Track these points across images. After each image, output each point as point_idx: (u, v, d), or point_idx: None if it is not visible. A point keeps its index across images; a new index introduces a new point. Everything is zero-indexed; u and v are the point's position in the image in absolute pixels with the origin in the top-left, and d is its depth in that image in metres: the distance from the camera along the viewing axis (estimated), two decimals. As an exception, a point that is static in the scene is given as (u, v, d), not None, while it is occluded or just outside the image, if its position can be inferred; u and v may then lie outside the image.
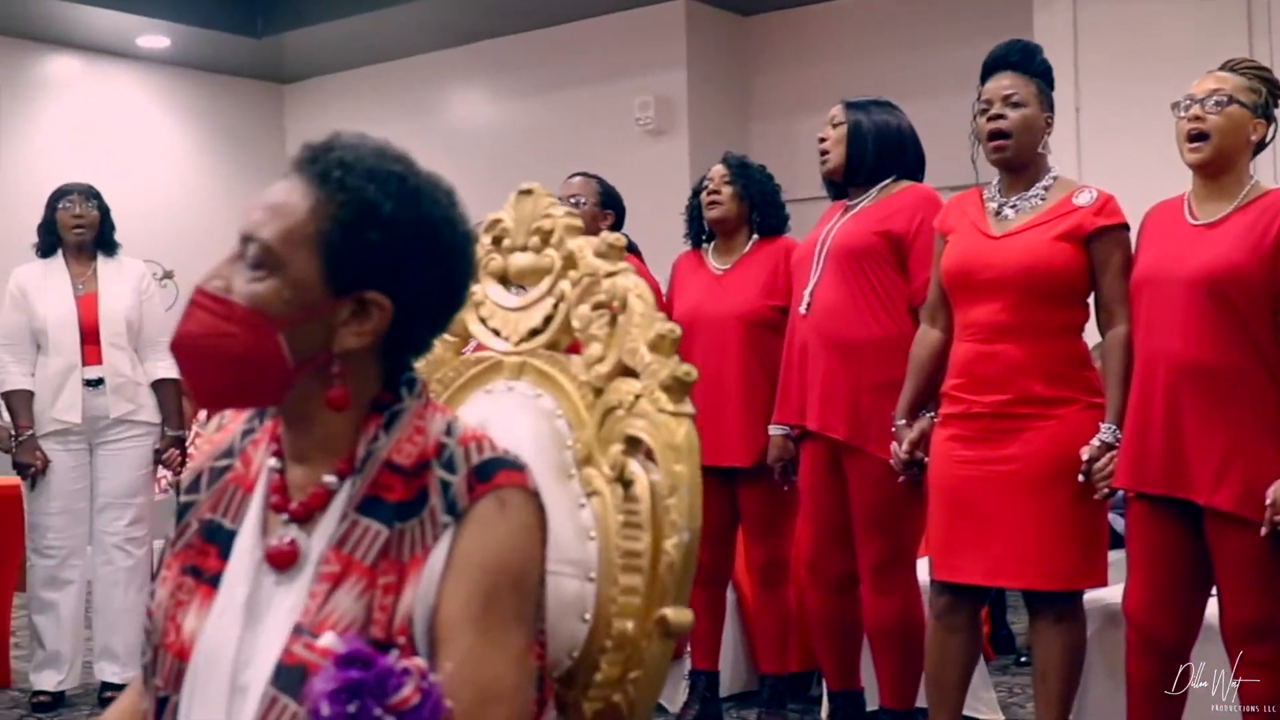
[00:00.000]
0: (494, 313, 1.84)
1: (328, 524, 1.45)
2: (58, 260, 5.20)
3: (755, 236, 4.60)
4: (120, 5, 7.95)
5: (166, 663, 1.48)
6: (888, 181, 4.01)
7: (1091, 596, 3.53)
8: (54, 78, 8.57)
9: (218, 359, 1.44)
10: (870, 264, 3.91)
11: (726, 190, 4.54)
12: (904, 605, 3.89)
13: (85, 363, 5.06)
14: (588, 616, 1.63)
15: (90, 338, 5.07)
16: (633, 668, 1.60)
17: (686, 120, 7.78)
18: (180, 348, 1.46)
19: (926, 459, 3.61)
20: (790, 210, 4.68)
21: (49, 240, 5.21)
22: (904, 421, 3.70)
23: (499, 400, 1.78)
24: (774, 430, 4.19)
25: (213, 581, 1.49)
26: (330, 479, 1.47)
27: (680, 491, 1.57)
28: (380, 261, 1.43)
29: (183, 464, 5.24)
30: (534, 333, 1.79)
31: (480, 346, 1.85)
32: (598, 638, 1.62)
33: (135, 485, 5.17)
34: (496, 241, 1.85)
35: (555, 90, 8.27)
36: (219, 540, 1.51)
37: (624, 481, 1.64)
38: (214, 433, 1.64)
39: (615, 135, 7.83)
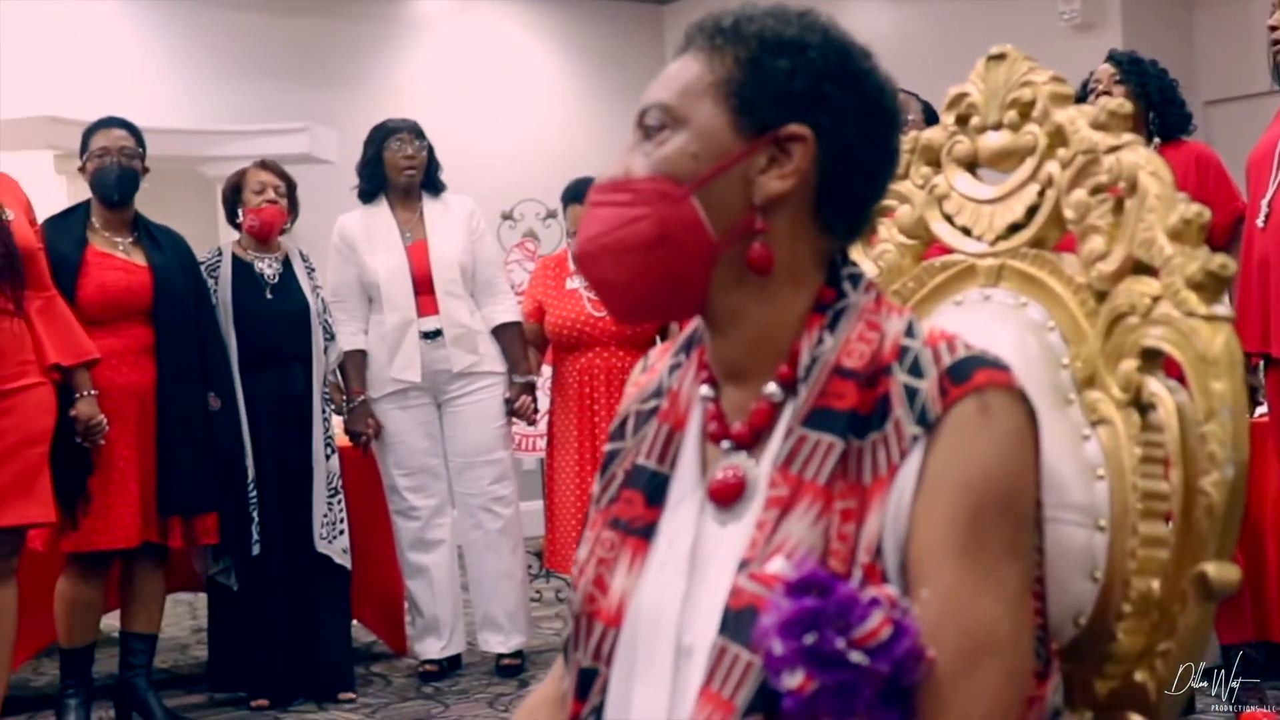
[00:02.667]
0: (962, 207, 1.65)
1: (774, 443, 1.33)
2: (381, 206, 5.19)
3: (1156, 141, 4.37)
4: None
5: (594, 632, 1.39)
6: (1356, 68, 3.69)
7: None
8: (422, 16, 8.84)
9: (629, 252, 1.34)
10: None
11: (1118, 91, 4.36)
12: None
13: (420, 314, 5.07)
14: (1098, 574, 1.44)
15: (424, 288, 5.08)
16: (1161, 638, 1.40)
17: (1119, 12, 7.31)
18: (585, 256, 1.38)
19: None
20: (1244, 109, 4.38)
21: (373, 184, 5.21)
22: None
23: (973, 312, 1.60)
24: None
25: (643, 533, 1.39)
26: (772, 389, 1.35)
27: (1221, 416, 1.34)
28: (792, 89, 1.33)
29: (536, 412, 5.27)
30: (1014, 228, 1.60)
31: (946, 249, 1.66)
32: (1112, 600, 1.43)
33: (491, 441, 5.20)
34: (962, 121, 1.66)
35: (965, -12, 7.94)
36: (647, 487, 1.41)
37: (1141, 406, 1.44)
38: (640, 375, 1.54)
39: (1035, 33, 7.42)
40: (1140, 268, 1.45)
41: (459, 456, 5.19)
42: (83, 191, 7.63)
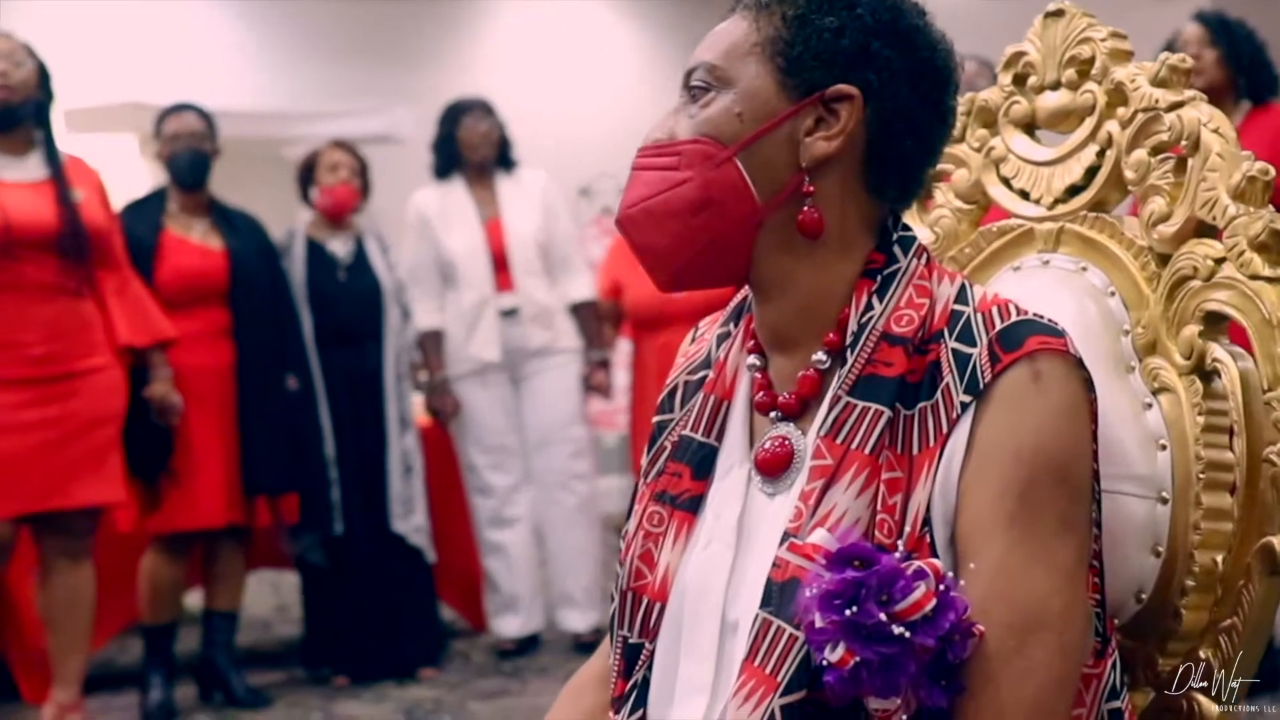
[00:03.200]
0: (1020, 169, 1.59)
1: (821, 412, 1.29)
2: (456, 183, 5.18)
3: (1245, 105, 4.19)
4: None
5: (640, 608, 1.36)
6: None
7: None
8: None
9: (673, 217, 1.31)
10: None
11: (1208, 55, 4.15)
12: None
13: (497, 292, 5.06)
14: (1161, 548, 1.39)
15: (501, 265, 5.06)
16: (1225, 614, 1.36)
17: (1206, -26, 7.14)
18: (627, 220, 1.34)
19: None
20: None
21: (447, 160, 5.19)
22: None
23: (1032, 278, 1.55)
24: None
25: (689, 507, 1.36)
26: (820, 356, 1.31)
27: (1287, 382, 1.29)
28: (840, 47, 1.29)
29: (610, 388, 5.26)
30: (1074, 191, 1.54)
31: (1004, 214, 1.61)
32: (1175, 575, 1.39)
33: (568, 417, 5.19)
34: (1019, 81, 1.60)
35: (1046, -46, 7.80)
36: (693, 459, 1.38)
37: (1203, 373, 1.39)
38: (689, 345, 1.50)
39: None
40: (1204, 229, 1.40)
41: (536, 433, 5.18)
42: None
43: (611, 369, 5.37)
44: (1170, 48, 4.21)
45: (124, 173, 7.02)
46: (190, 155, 4.59)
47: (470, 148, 5.15)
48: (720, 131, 1.30)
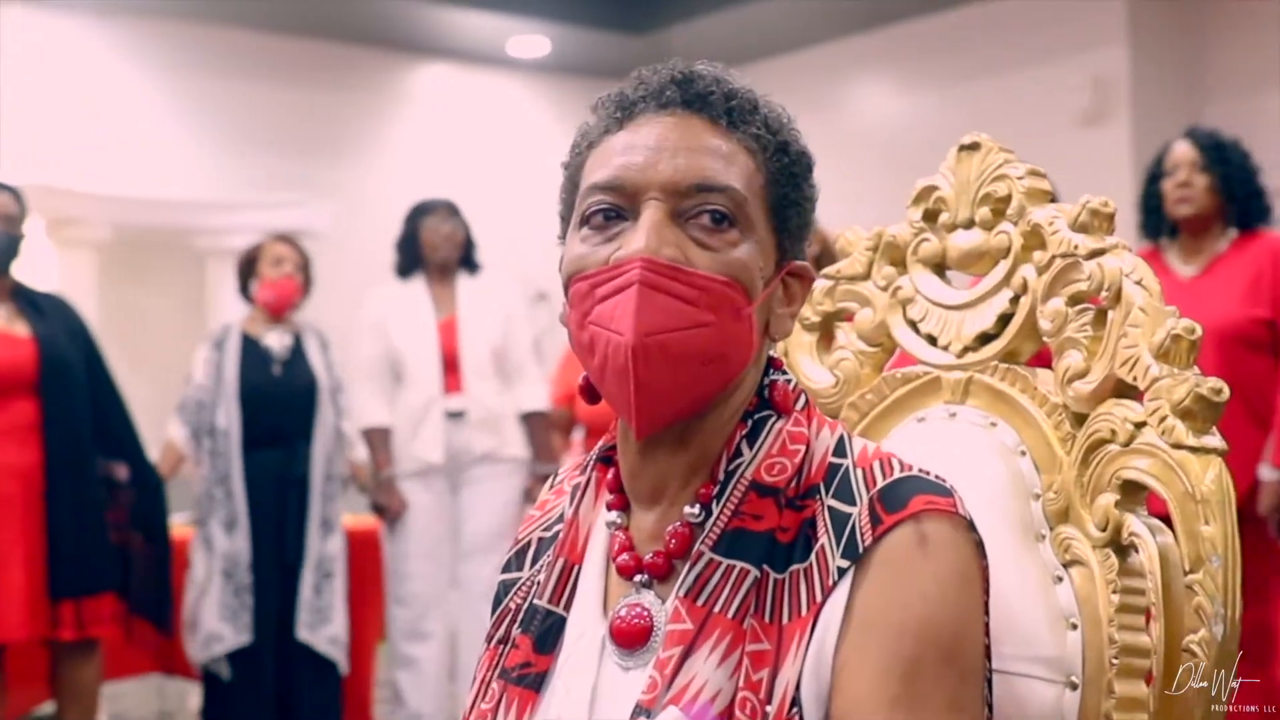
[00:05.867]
0: (928, 312, 1.48)
1: (682, 572, 1.15)
2: (417, 282, 5.08)
3: (1232, 232, 3.98)
4: (493, 6, 8.00)
5: None
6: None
7: None
8: (419, 89, 8.75)
9: (687, 361, 1.13)
10: None
11: (1200, 181, 3.86)
12: None
13: (446, 393, 4.93)
14: (1069, 738, 1.25)
15: (451, 366, 4.94)
16: (1139, 819, 1.21)
17: (1128, 104, 7.18)
18: (641, 350, 1.12)
19: None
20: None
21: (409, 260, 5.09)
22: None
23: (937, 430, 1.43)
24: (1267, 474, 3.65)
25: (529, 684, 1.20)
26: (693, 510, 1.16)
27: (1210, 565, 1.17)
28: (808, 221, 1.21)
29: None
30: (985, 338, 1.43)
31: (910, 359, 1.49)
32: (1084, 770, 1.25)
33: (503, 527, 4.99)
34: (930, 217, 1.49)
35: (971, 78, 7.83)
36: (537, 630, 1.22)
37: (1119, 547, 1.26)
38: (548, 493, 1.36)
39: (1042, 125, 7.31)
40: (1123, 389, 1.28)
41: (468, 540, 5.01)
42: (75, 260, 7.56)
43: (555, 483, 5.21)
44: (1158, 169, 3.93)
45: (30, 257, 6.81)
46: None
47: (431, 248, 5.03)
48: (750, 280, 1.15)
